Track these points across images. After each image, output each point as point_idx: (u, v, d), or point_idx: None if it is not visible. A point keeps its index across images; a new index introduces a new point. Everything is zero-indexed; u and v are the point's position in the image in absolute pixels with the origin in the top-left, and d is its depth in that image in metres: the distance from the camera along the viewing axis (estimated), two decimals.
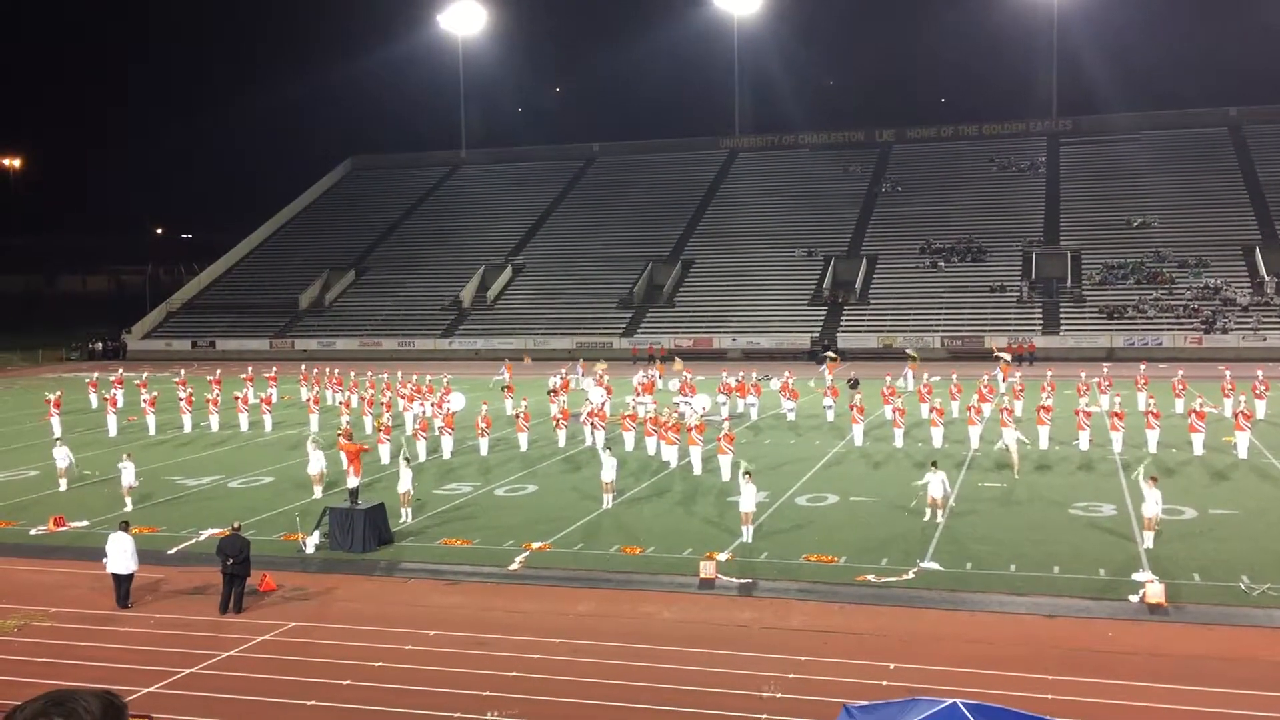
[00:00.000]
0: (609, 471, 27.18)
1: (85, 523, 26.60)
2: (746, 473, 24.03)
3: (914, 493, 25.94)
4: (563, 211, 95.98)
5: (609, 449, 28.77)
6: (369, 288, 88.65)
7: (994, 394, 40.23)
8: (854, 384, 39.61)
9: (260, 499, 29.21)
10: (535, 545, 23.46)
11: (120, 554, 20.07)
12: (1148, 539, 21.94)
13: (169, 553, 23.71)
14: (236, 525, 21.06)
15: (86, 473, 32.51)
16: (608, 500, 26.95)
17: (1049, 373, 42.73)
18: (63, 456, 31.03)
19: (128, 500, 27.92)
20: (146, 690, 16.05)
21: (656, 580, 21.14)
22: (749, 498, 23.57)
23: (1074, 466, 31.15)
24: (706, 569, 20.85)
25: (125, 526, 20.97)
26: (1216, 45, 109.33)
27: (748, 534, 23.52)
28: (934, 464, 25.65)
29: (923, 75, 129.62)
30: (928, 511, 24.75)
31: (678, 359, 55.56)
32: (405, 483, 25.94)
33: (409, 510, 25.94)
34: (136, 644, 18.26)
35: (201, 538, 24.60)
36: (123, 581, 20.15)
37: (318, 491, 28.82)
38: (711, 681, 15.87)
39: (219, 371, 50.35)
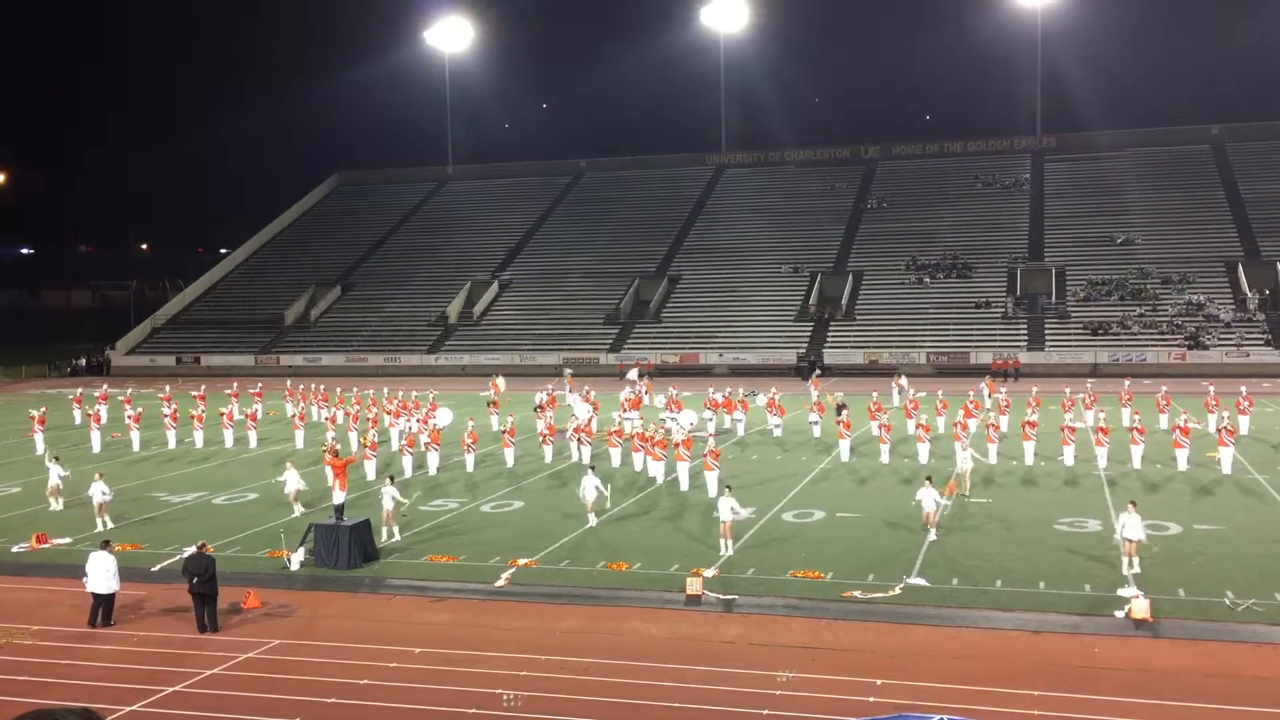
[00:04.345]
0: (589, 493, 26.94)
1: (68, 540, 26.41)
2: (727, 487, 25.02)
3: (913, 510, 25.90)
4: (549, 227, 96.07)
5: (592, 468, 28.59)
6: (355, 304, 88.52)
7: (979, 410, 40.35)
8: (841, 406, 39.62)
9: (245, 515, 29.05)
10: (521, 561, 23.38)
11: (101, 573, 19.91)
12: (1135, 564, 21.56)
13: (152, 570, 23.57)
14: (201, 544, 20.73)
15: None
16: (592, 519, 26.86)
17: (1034, 389, 42.85)
18: (55, 474, 30.21)
19: (99, 520, 27.59)
20: (129, 709, 15.94)
21: (643, 596, 21.10)
22: (725, 509, 23.79)
23: (1059, 482, 31.25)
24: (693, 585, 20.82)
25: (107, 545, 20.82)
26: (1199, 63, 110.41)
27: (726, 547, 23.56)
28: (928, 479, 25.67)
29: (908, 92, 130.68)
30: (929, 530, 24.72)
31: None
32: (388, 502, 25.81)
33: (388, 530, 25.68)
34: (119, 662, 18.12)
35: (185, 555, 24.39)
36: (102, 601, 19.96)
37: (297, 510, 28.63)
38: (699, 698, 15.83)
39: (204, 387, 50.15)
